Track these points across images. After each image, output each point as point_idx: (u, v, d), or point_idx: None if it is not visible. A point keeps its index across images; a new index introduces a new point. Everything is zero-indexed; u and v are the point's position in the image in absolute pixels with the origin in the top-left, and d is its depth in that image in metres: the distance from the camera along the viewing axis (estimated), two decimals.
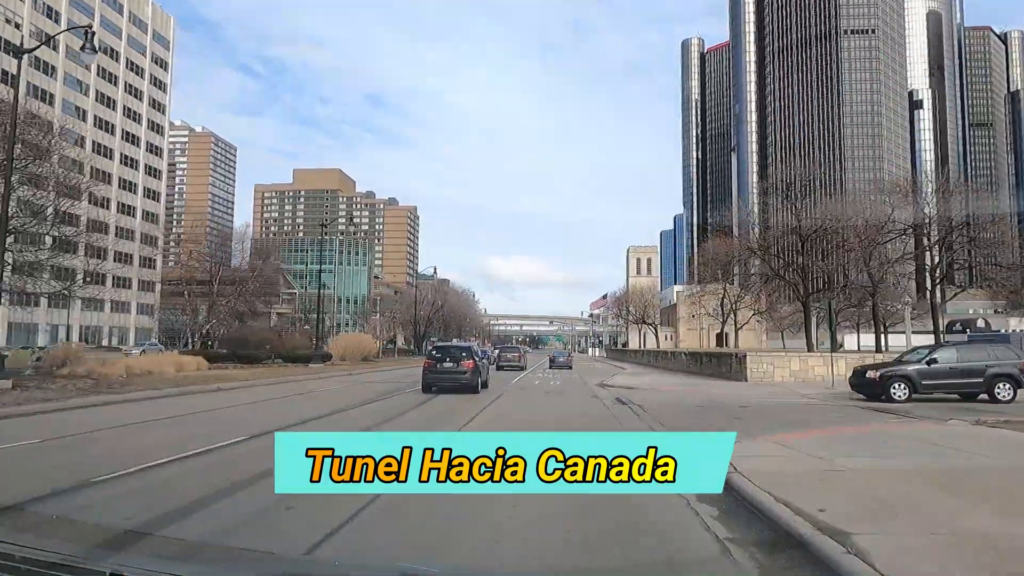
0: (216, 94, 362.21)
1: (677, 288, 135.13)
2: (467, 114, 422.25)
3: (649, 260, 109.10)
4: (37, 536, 3.40)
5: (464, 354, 20.46)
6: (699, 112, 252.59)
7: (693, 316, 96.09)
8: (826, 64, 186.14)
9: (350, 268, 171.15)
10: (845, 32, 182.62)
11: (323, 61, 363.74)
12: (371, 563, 4.00)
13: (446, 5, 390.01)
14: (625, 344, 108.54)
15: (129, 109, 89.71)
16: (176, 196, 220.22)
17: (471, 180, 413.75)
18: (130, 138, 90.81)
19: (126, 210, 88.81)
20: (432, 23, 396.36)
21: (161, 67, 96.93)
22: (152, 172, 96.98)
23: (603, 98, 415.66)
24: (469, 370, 19.35)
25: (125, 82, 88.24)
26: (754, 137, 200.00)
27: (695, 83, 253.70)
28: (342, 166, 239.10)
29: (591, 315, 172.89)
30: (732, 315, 63.79)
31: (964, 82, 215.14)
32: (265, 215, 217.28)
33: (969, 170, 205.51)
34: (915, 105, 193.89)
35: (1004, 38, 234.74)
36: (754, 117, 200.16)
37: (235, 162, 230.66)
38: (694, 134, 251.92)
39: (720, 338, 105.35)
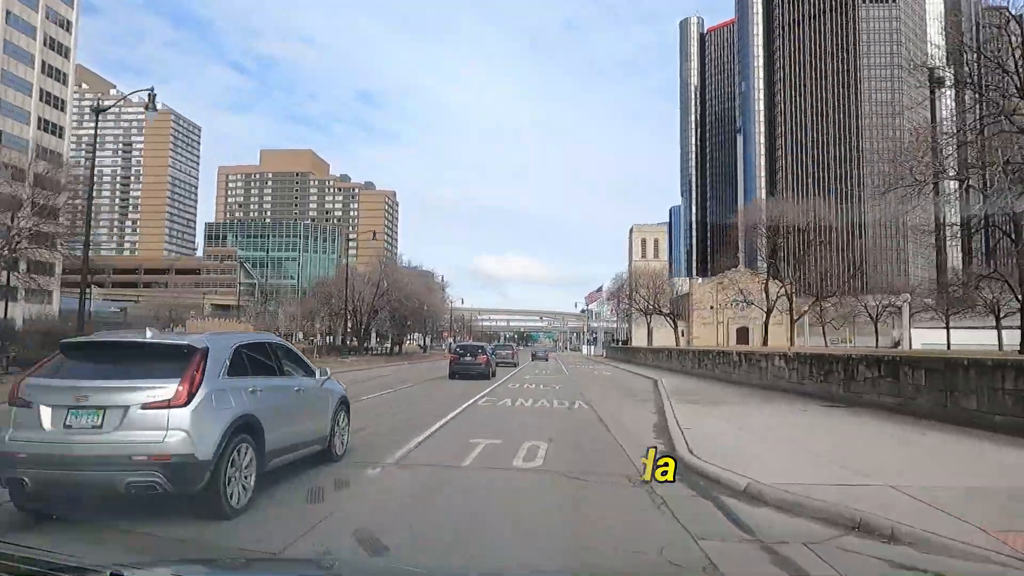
0: (205, 91, 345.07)
1: (683, 279, 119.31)
2: (459, 112, 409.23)
3: (656, 241, 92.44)
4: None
5: (480, 351, 28.70)
6: (698, 97, 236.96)
7: (712, 307, 79.99)
8: (841, 36, 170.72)
9: (317, 256, 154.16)
10: (864, 0, 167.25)
11: (314, 58, 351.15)
12: (368, 564, 3.64)
13: (438, 4, 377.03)
14: (626, 341, 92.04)
15: (14, 46, 72.10)
16: (132, 177, 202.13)
17: (463, 179, 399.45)
18: (15, 83, 73.14)
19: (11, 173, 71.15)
20: (425, 21, 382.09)
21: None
22: (51, 129, 79.30)
23: (595, 97, 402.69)
24: (483, 363, 26.90)
25: (8, 11, 70.71)
26: (761, 117, 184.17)
27: (694, 65, 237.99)
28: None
29: (583, 310, 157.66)
30: (789, 301, 47.37)
31: (981, 63, 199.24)
32: (230, 199, 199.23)
33: (986, 157, 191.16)
34: (936, 83, 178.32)
35: (1020, 20, 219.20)
36: (761, 95, 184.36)
37: (199, 143, 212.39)
38: (693, 120, 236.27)
39: (745, 334, 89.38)
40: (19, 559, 1.96)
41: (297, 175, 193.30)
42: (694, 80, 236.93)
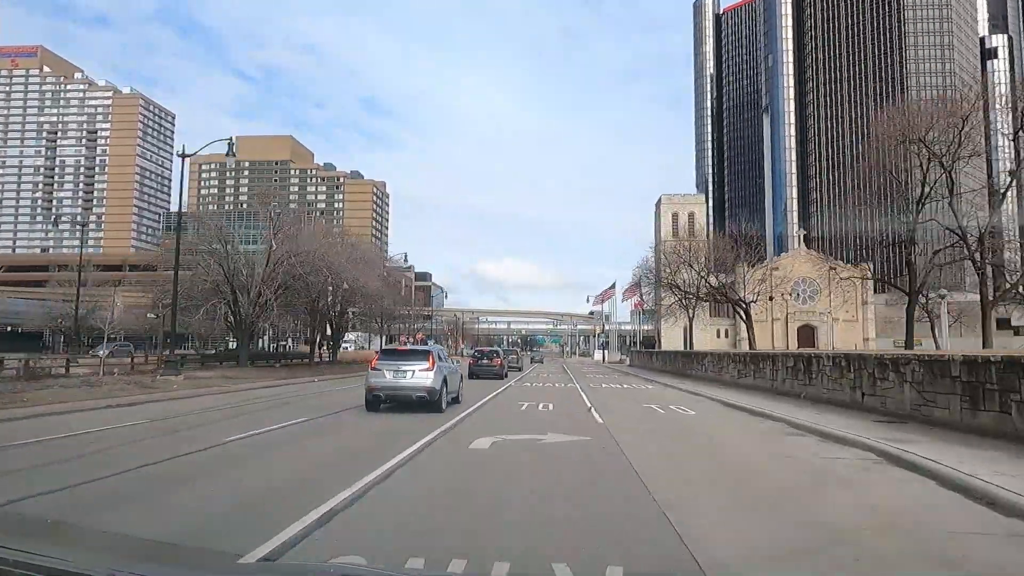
0: (207, 97, 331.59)
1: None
2: (460, 119, 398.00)
3: (692, 215, 72.12)
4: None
5: (495, 354, 33.31)
6: (714, 84, 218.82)
7: (786, 296, 60.78)
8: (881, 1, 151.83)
9: None
10: None
11: (316, 65, 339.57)
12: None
13: (439, 12, 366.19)
14: (650, 343, 73.21)
15: None
16: (98, 168, 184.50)
17: (464, 183, 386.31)
18: None
19: None
20: (427, 29, 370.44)
21: None
22: None
23: (598, 102, 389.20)
24: (498, 366, 31.52)
25: None
26: (792, 93, 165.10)
27: (709, 48, 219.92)
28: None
29: (591, 312, 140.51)
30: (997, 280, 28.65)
31: None
32: (203, 191, 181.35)
33: None
34: (988, 55, 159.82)
35: None
36: (791, 69, 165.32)
37: (172, 131, 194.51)
38: (708, 107, 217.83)
39: (810, 335, 70.35)
40: (13, 563, 1.89)
41: (277, 163, 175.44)
42: (709, 65, 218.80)
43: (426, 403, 13.93)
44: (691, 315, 50.57)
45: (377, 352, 17.64)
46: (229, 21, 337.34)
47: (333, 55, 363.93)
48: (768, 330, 65.55)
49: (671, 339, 64.98)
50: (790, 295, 63.91)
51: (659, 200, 76.99)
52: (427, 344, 22.43)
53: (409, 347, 17.79)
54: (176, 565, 2.70)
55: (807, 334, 65.74)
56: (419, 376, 13.97)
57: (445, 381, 14.73)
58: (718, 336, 65.94)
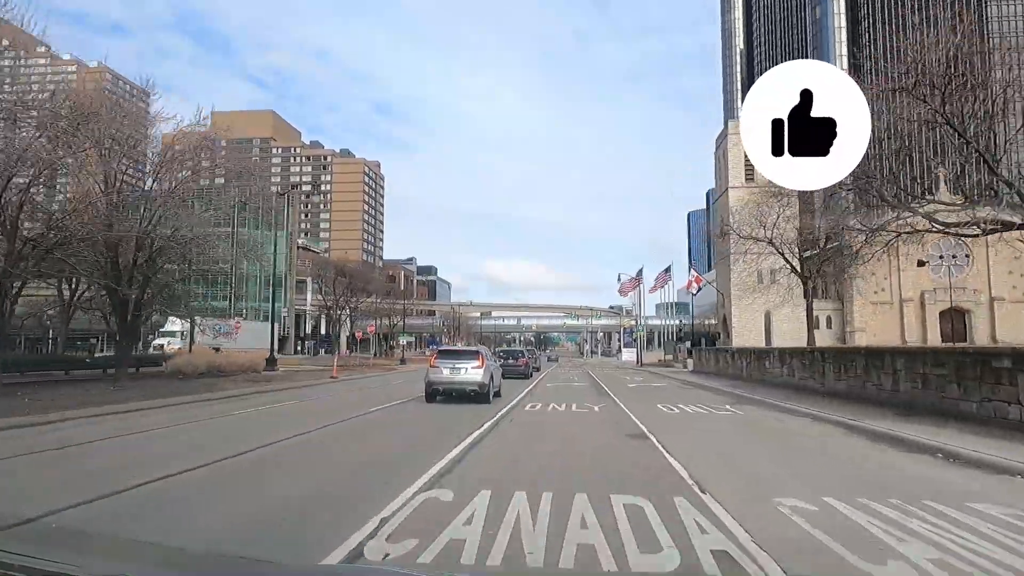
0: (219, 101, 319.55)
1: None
2: (469, 121, 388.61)
3: None
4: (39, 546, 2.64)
5: (520, 355, 34.92)
6: (744, 59, 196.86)
7: (922, 262, 39.37)
8: None
9: (260, 232, 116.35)
10: None
11: (326, 70, 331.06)
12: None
13: (448, 17, 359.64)
14: (711, 337, 52.07)
15: None
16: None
17: (472, 187, 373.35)
18: None
19: None
20: (436, 34, 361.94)
21: None
22: None
23: (608, 104, 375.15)
24: (523, 365, 33.10)
25: None
26: (845, 49, 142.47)
27: (738, 15, 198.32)
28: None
29: (611, 307, 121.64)
30: None
31: None
32: (179, 173, 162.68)
33: None
34: None
35: None
36: (844, 20, 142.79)
37: (147, 111, 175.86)
38: (738, 80, 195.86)
39: (962, 323, 48.69)
40: (19, 568, 1.85)
41: (257, 141, 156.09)
42: (738, 36, 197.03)
43: (477, 396, 16.64)
44: (810, 286, 29.52)
45: (433, 354, 18.85)
46: (240, 27, 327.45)
47: (344, 60, 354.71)
48: (894, 316, 43.96)
49: (746, 330, 43.75)
50: (925, 264, 42.29)
51: (722, 133, 55.18)
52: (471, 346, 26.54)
53: (462, 348, 21.09)
54: (188, 571, 2.52)
55: (955, 320, 44.36)
56: (472, 373, 16.82)
57: (491, 377, 17.43)
58: (817, 327, 44.57)
